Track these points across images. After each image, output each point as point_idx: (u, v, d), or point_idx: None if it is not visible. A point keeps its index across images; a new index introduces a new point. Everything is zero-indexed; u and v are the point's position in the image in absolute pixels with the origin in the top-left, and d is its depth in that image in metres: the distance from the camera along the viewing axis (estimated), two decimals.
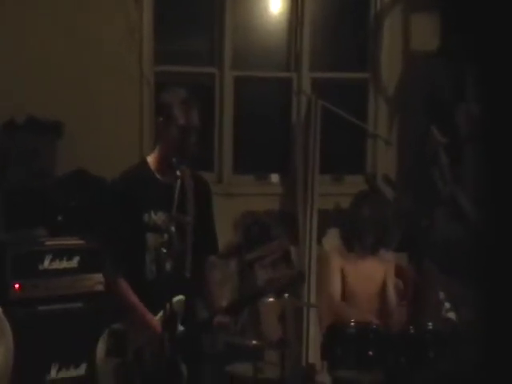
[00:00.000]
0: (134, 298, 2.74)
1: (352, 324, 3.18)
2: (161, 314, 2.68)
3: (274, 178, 4.91)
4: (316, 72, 4.95)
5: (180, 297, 2.70)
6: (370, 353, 3.06)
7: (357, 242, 3.61)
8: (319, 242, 4.51)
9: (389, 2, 4.91)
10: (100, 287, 3.79)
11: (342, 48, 5.09)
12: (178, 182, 2.66)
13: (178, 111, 2.71)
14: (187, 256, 2.76)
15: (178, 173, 2.66)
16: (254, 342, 3.48)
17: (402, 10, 4.90)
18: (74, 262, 3.81)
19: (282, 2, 4.98)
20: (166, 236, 2.67)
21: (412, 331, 3.12)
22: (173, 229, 2.64)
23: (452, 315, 3.35)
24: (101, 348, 2.81)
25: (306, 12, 4.88)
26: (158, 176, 2.81)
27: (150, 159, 2.85)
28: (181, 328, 2.70)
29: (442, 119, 4.51)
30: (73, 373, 3.69)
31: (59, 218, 4.10)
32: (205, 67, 4.89)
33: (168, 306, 2.61)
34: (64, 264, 3.79)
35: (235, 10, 4.84)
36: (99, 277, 3.76)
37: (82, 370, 3.69)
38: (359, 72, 5.03)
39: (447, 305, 3.48)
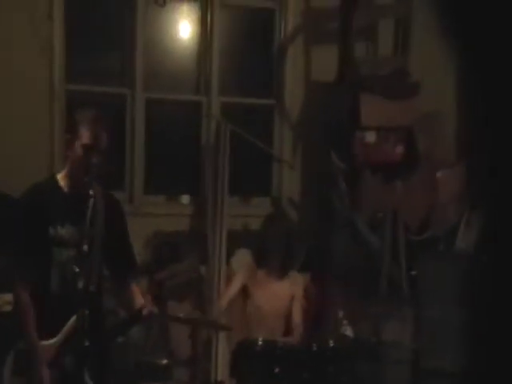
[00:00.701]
0: (29, 319, 2.76)
1: (259, 342, 3.37)
2: (58, 337, 2.73)
3: (185, 198, 5.02)
4: (225, 96, 5.11)
5: (85, 311, 2.70)
6: (276, 369, 3.26)
7: (267, 261, 3.83)
8: (228, 261, 4.65)
9: (291, 33, 5.14)
10: (8, 307, 3.77)
11: (250, 74, 5.27)
12: (91, 200, 2.71)
13: (84, 130, 2.77)
14: (94, 269, 2.78)
15: (91, 192, 2.71)
16: (164, 360, 3.60)
17: (304, 41, 5.14)
18: None
19: (192, 27, 5.12)
20: (73, 252, 2.75)
21: (315, 348, 3.35)
22: (85, 247, 2.68)
23: (349, 332, 3.60)
24: (8, 369, 2.82)
25: (214, 37, 5.03)
26: (66, 191, 2.85)
27: (60, 176, 2.90)
28: (86, 343, 2.69)
29: (341, 145, 4.78)
30: None
31: None
32: (117, 88, 4.95)
33: (73, 320, 2.66)
34: None
35: (147, 32, 4.93)
36: (8, 297, 3.75)
37: None
38: (265, 98, 5.23)
39: (345, 322, 3.73)
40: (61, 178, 2.89)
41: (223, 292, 4.15)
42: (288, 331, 3.84)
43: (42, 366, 2.75)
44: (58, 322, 2.76)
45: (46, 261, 2.80)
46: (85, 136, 2.77)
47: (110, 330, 3.00)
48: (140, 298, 3.05)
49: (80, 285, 2.69)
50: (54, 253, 2.80)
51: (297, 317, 3.83)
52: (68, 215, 2.80)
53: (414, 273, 3.86)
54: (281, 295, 3.86)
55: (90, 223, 2.74)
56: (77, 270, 2.69)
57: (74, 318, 2.70)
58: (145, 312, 2.90)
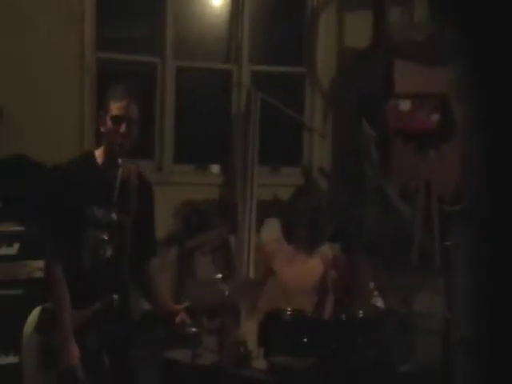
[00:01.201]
0: (63, 299, 2.73)
1: (288, 312, 3.34)
2: (94, 307, 2.74)
3: (214, 168, 4.99)
4: (255, 65, 5.04)
5: (116, 295, 2.74)
6: (305, 340, 3.22)
7: (296, 235, 3.74)
8: (258, 231, 4.60)
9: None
10: (39, 274, 3.80)
11: (281, 42, 5.19)
12: (120, 170, 2.74)
13: (113, 103, 2.77)
14: (126, 252, 2.80)
15: (120, 161, 2.74)
16: (193, 329, 3.59)
17: (337, 7, 5.04)
18: (14, 249, 3.80)
19: None
20: (106, 232, 2.75)
21: (343, 319, 3.30)
22: (114, 217, 2.71)
23: (380, 303, 3.54)
24: (30, 323, 2.83)
25: (245, 6, 4.96)
26: (103, 169, 2.84)
27: (97, 153, 2.89)
28: (113, 325, 2.74)
29: (373, 113, 4.69)
30: (12, 359, 3.69)
31: None
32: (147, 56, 4.91)
33: (106, 300, 2.67)
34: (3, 250, 3.79)
35: (177, 1, 4.87)
36: (39, 263, 3.78)
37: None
38: (296, 66, 5.15)
39: (376, 293, 3.67)
40: (98, 155, 2.88)
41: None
42: (317, 306, 3.75)
43: (68, 337, 2.73)
44: (87, 297, 2.76)
45: (79, 239, 2.79)
46: (114, 108, 2.77)
47: (136, 322, 2.99)
48: (167, 298, 3.06)
49: (112, 264, 2.72)
50: (87, 232, 2.79)
51: (329, 289, 3.75)
52: (103, 195, 2.79)
53: (447, 243, 3.76)
54: (309, 272, 3.74)
55: (123, 205, 2.77)
56: (110, 250, 2.71)
57: (103, 298, 2.72)
58: (177, 320, 2.90)
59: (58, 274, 2.77)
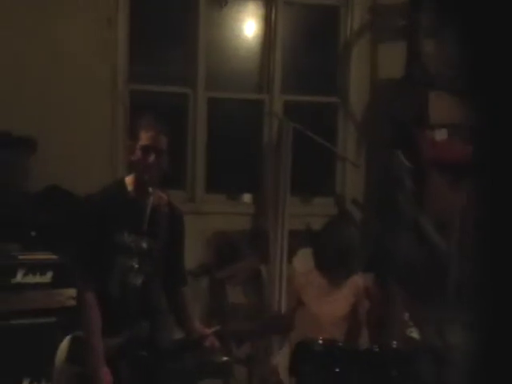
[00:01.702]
0: (95, 327, 2.73)
1: (319, 341, 3.28)
2: (124, 335, 2.73)
3: (246, 197, 5.01)
4: (287, 95, 5.08)
5: (145, 323, 2.75)
6: (337, 370, 3.16)
7: (328, 266, 3.70)
8: (289, 261, 4.60)
9: (357, 31, 5.06)
10: (72, 302, 3.81)
11: (313, 72, 5.23)
12: (151, 198, 2.76)
13: (143, 133, 2.81)
14: (156, 279, 2.83)
15: (150, 190, 2.77)
16: (224, 358, 3.55)
17: (370, 39, 5.07)
18: (47, 277, 3.84)
19: (255, 25, 5.11)
20: (136, 259, 2.76)
21: (376, 350, 3.23)
22: (144, 245, 2.72)
23: (415, 335, 3.47)
24: (61, 353, 2.82)
25: (278, 36, 5.01)
26: (134, 197, 2.87)
27: (128, 180, 2.92)
28: (143, 353, 2.73)
29: (407, 144, 4.66)
30: None
31: (32, 233, 4.13)
32: (179, 87, 4.98)
33: (136, 328, 2.68)
34: (37, 278, 3.82)
35: (209, 32, 4.95)
36: (72, 292, 3.79)
37: None
38: (329, 96, 5.17)
39: (411, 325, 3.59)
40: (129, 182, 2.91)
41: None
42: (351, 334, 3.69)
43: (100, 364, 2.71)
44: (115, 326, 2.76)
45: (109, 266, 2.81)
46: (144, 138, 2.81)
47: (167, 349, 2.96)
48: (197, 323, 3.06)
49: (142, 293, 2.72)
50: (117, 259, 2.81)
51: (362, 320, 3.69)
52: (134, 221, 2.82)
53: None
54: (341, 304, 3.68)
55: (153, 233, 2.78)
56: (140, 277, 2.70)
57: (133, 326, 2.72)
58: (207, 343, 2.90)
59: (90, 301, 2.77)
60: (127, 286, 2.79)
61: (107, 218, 2.81)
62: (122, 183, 2.93)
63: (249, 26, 5.13)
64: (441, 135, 4.54)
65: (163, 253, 2.85)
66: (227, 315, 4.19)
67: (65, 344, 2.85)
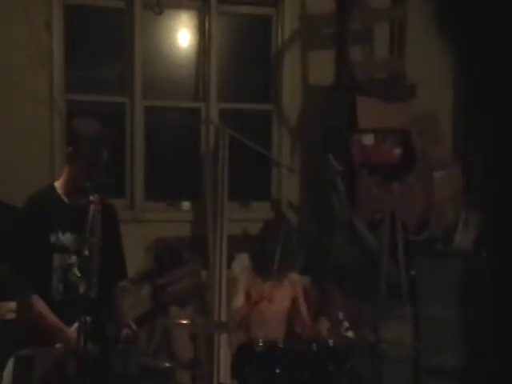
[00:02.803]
0: (49, 313, 2.81)
1: (260, 343, 3.41)
2: (75, 325, 2.73)
3: (185, 204, 5.07)
4: (223, 102, 5.16)
5: (87, 318, 2.71)
6: (277, 370, 3.29)
7: (265, 266, 3.84)
8: (229, 266, 4.68)
9: (288, 39, 5.19)
10: (11, 315, 3.81)
11: (248, 80, 5.33)
12: (92, 206, 2.75)
13: (86, 147, 2.83)
14: (94, 274, 2.80)
15: (92, 198, 2.75)
16: (166, 363, 3.63)
17: (300, 47, 5.19)
18: None
19: (190, 35, 5.19)
20: (74, 258, 2.80)
21: (314, 349, 3.38)
22: (86, 252, 2.70)
23: (350, 333, 3.63)
24: (7, 374, 2.82)
25: (212, 45, 5.09)
26: (65, 199, 2.91)
27: (58, 183, 2.95)
28: (90, 347, 2.73)
29: (338, 148, 4.83)
30: None
31: None
32: (116, 97, 5.01)
33: (78, 324, 2.65)
34: None
35: (144, 41, 4.99)
36: (11, 305, 3.79)
37: None
38: (263, 103, 5.28)
39: (345, 323, 3.76)
40: (59, 186, 2.95)
41: (231, 308, 4.12)
42: (290, 334, 3.84)
43: (63, 327, 2.79)
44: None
45: (48, 267, 2.85)
46: (86, 153, 2.83)
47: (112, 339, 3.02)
48: (122, 314, 3.09)
49: (82, 290, 2.71)
50: (55, 259, 2.86)
51: (304, 315, 3.84)
52: (68, 222, 2.86)
53: (413, 272, 3.88)
54: (281, 299, 3.86)
55: (88, 230, 2.76)
56: (79, 274, 2.74)
57: (75, 324, 2.72)
58: (122, 334, 2.93)
59: (39, 303, 2.83)
60: (67, 283, 2.83)
61: (40, 221, 2.85)
62: (52, 188, 2.96)
63: (183, 36, 5.20)
64: (368, 139, 4.73)
65: (100, 248, 2.83)
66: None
67: (9, 366, 2.84)
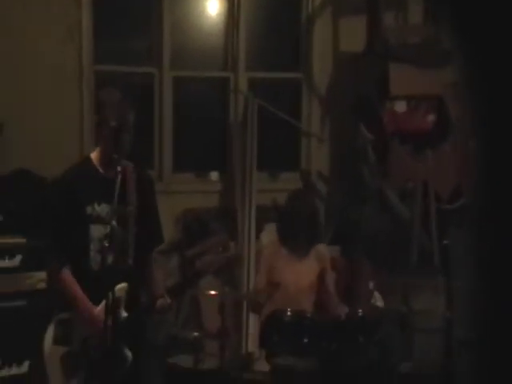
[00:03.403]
0: (77, 290, 2.84)
1: (288, 313, 3.36)
2: (103, 303, 2.75)
3: (214, 175, 5.03)
4: (252, 72, 5.09)
5: (123, 284, 2.80)
6: (305, 340, 3.24)
7: (291, 238, 3.76)
8: (257, 237, 4.64)
9: (318, 6, 5.08)
10: (42, 285, 3.84)
11: (277, 49, 5.25)
12: (119, 176, 2.77)
13: (110, 112, 2.84)
14: (130, 245, 2.86)
15: (119, 168, 2.78)
16: (195, 333, 3.61)
17: (331, 13, 5.08)
18: (16, 261, 3.85)
19: (219, 4, 5.11)
20: (108, 228, 2.78)
21: (343, 318, 3.32)
22: (114, 222, 2.73)
23: (380, 303, 3.56)
24: (48, 337, 2.89)
25: (241, 14, 5.01)
26: (101, 170, 2.92)
27: (93, 155, 2.97)
28: (125, 314, 2.80)
29: (369, 116, 4.73)
30: (15, 370, 3.72)
31: (0, 217, 4.12)
32: (144, 67, 4.97)
33: (111, 294, 2.67)
34: (6, 263, 3.83)
35: (173, 11, 4.93)
36: (41, 275, 3.82)
37: (24, 367, 3.73)
38: (293, 72, 5.20)
39: (376, 294, 3.68)
40: (94, 157, 2.96)
41: (255, 280, 4.05)
42: (318, 307, 3.76)
43: (92, 308, 2.82)
44: (98, 296, 2.80)
45: (85, 238, 2.87)
46: (111, 118, 2.83)
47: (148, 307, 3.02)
48: (158, 284, 3.09)
49: (110, 260, 2.76)
50: (92, 230, 2.88)
51: (330, 287, 3.76)
52: (103, 193, 2.86)
53: (445, 242, 3.78)
54: (306, 272, 3.74)
55: (122, 200, 2.81)
56: (106, 244, 2.73)
57: (115, 289, 2.73)
58: (157, 304, 2.93)
59: (68, 277, 2.86)
60: (103, 254, 2.81)
61: (76, 192, 2.88)
62: (88, 160, 2.98)
63: (212, 4, 5.12)
64: (401, 107, 4.61)
65: (137, 216, 2.90)
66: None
67: (50, 329, 2.90)
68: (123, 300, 2.80)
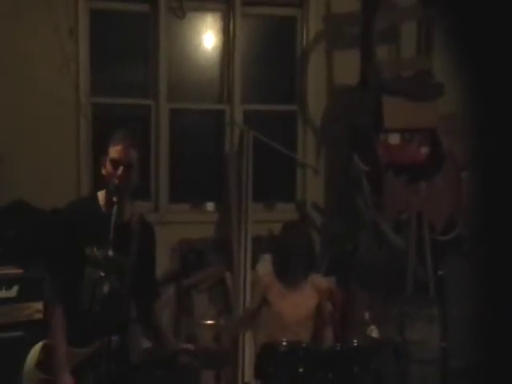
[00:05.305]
0: (60, 339, 2.79)
1: (284, 343, 3.37)
2: (91, 347, 2.77)
3: (209, 206, 5.07)
4: (247, 104, 5.16)
5: (115, 336, 2.74)
6: (301, 370, 3.25)
7: (287, 269, 3.77)
8: (253, 267, 4.64)
9: (313, 39, 5.16)
10: (40, 316, 3.85)
11: (272, 81, 5.32)
12: (115, 208, 2.75)
13: (112, 148, 2.87)
14: (125, 293, 2.86)
15: (114, 199, 2.78)
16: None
17: (325, 47, 5.17)
18: (13, 291, 3.85)
19: (215, 37, 5.19)
20: (106, 267, 2.75)
21: (338, 348, 3.33)
22: (114, 259, 2.71)
23: (375, 334, 3.57)
24: (30, 360, 2.87)
25: (236, 48, 5.09)
26: (105, 211, 2.87)
27: (100, 195, 2.96)
28: (112, 365, 2.71)
29: (363, 148, 4.78)
30: None
31: None
32: (141, 99, 5.04)
33: (105, 341, 2.66)
34: (3, 293, 3.84)
35: (169, 44, 5.01)
36: (38, 305, 3.83)
37: None
38: (288, 104, 5.27)
39: (371, 324, 3.69)
40: (101, 197, 2.95)
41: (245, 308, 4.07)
42: (315, 336, 3.77)
43: (64, 371, 2.77)
44: (86, 338, 2.81)
45: (78, 278, 2.84)
46: (112, 152, 2.86)
47: (136, 362, 3.01)
48: (170, 337, 3.15)
49: (102, 306, 2.74)
50: (87, 272, 2.85)
51: (326, 317, 3.77)
52: (105, 236, 2.77)
53: (440, 273, 3.81)
54: (303, 303, 3.74)
55: (124, 248, 2.82)
56: (106, 290, 2.71)
57: (102, 338, 2.71)
58: (183, 349, 3.00)
59: (58, 313, 2.83)
60: (96, 298, 2.81)
61: (79, 231, 2.85)
62: (94, 197, 2.97)
63: (208, 38, 5.21)
64: (394, 139, 4.67)
65: (134, 267, 2.89)
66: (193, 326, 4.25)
67: (35, 350, 2.89)
68: (113, 352, 2.72)
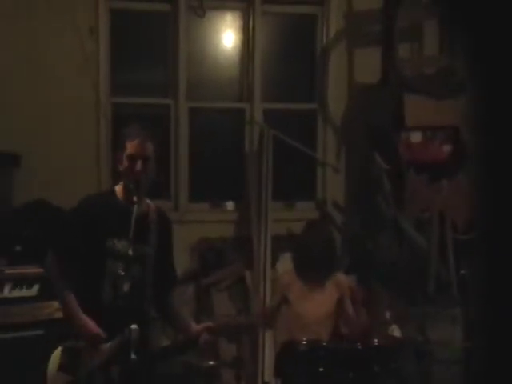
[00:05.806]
0: (78, 311, 2.80)
1: (304, 342, 3.34)
2: (115, 340, 2.75)
3: (229, 205, 5.06)
4: (267, 103, 5.13)
5: (135, 326, 2.70)
6: (321, 369, 3.22)
7: (307, 268, 3.74)
8: (273, 266, 4.63)
9: (333, 37, 5.13)
10: (59, 314, 3.84)
11: (292, 80, 5.30)
12: (135, 207, 2.75)
13: (129, 142, 2.86)
14: (146, 285, 2.86)
15: (135, 198, 2.77)
16: (211, 362, 3.60)
17: (346, 45, 5.14)
18: (34, 290, 3.87)
19: (234, 36, 5.18)
20: (125, 260, 2.76)
21: (359, 347, 3.29)
22: (130, 252, 2.72)
23: (397, 333, 3.53)
24: (53, 363, 2.85)
25: (256, 45, 5.07)
26: (123, 205, 2.88)
27: (118, 189, 2.96)
28: (134, 357, 2.69)
29: (384, 146, 4.74)
30: None
31: (17, 247, 4.15)
32: (160, 98, 5.04)
33: (126, 332, 2.65)
34: (24, 292, 3.85)
35: (189, 44, 5.01)
36: (58, 304, 3.83)
37: None
38: (308, 103, 5.23)
39: (392, 324, 3.65)
40: (118, 191, 2.95)
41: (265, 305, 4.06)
42: (335, 335, 3.74)
43: (79, 314, 2.80)
44: (109, 332, 2.78)
45: (100, 271, 2.84)
46: (129, 147, 2.86)
47: (161, 350, 3.01)
48: (190, 321, 3.11)
49: (130, 293, 2.73)
50: (108, 264, 2.84)
51: (350, 311, 3.72)
52: (124, 229, 2.79)
53: (463, 272, 3.75)
54: (323, 302, 3.71)
55: (142, 239, 2.82)
56: (128, 286, 2.71)
57: (130, 328, 2.69)
58: (201, 340, 2.95)
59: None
60: (116, 290, 2.81)
61: (98, 225, 2.85)
62: (112, 192, 2.97)
63: (228, 37, 5.19)
64: (416, 137, 4.62)
65: (153, 258, 2.90)
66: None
67: (57, 354, 2.88)
68: (135, 342, 2.70)
